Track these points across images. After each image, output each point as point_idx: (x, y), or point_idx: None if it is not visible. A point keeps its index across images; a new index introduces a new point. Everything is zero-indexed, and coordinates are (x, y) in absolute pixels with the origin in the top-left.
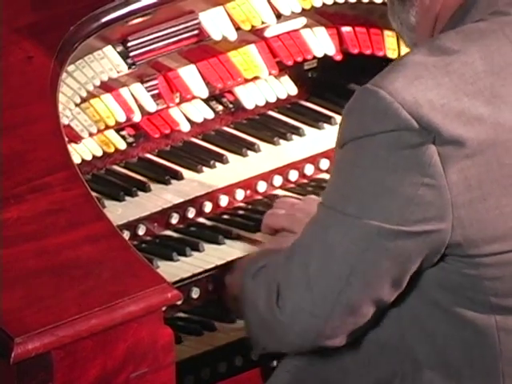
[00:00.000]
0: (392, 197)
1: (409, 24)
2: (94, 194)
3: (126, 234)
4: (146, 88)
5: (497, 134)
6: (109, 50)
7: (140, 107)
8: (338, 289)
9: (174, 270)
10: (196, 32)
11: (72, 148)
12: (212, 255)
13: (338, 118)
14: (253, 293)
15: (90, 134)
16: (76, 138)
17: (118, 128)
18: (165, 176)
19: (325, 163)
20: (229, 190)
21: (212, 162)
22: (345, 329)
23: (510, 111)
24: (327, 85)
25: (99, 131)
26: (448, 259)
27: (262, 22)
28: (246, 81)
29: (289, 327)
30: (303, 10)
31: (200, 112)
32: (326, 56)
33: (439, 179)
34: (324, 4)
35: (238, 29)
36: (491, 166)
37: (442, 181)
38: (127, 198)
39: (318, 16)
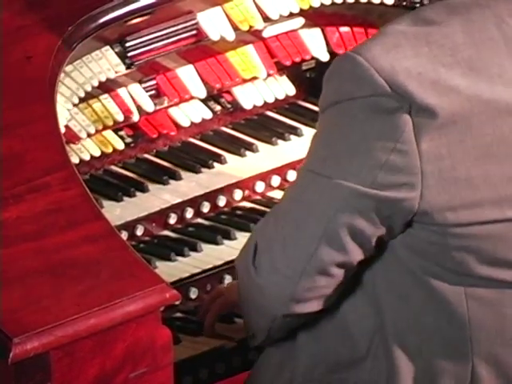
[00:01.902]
0: (365, 159)
1: None
2: (92, 194)
3: (124, 235)
4: (145, 88)
5: (471, 106)
6: (107, 50)
7: (138, 107)
8: (311, 249)
9: (172, 270)
10: (194, 32)
11: (70, 148)
12: (210, 255)
13: None
14: (238, 261)
15: (89, 135)
16: (74, 139)
17: (116, 128)
18: (163, 176)
19: None
20: (227, 190)
21: (210, 162)
22: (317, 291)
23: (486, 84)
24: None
25: (97, 131)
26: (416, 226)
27: (262, 22)
28: (244, 81)
29: (263, 288)
30: (301, 10)
31: (198, 112)
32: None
33: (411, 146)
34: (322, 4)
35: (236, 29)
36: (463, 137)
37: (414, 148)
38: (125, 198)
39: (316, 16)
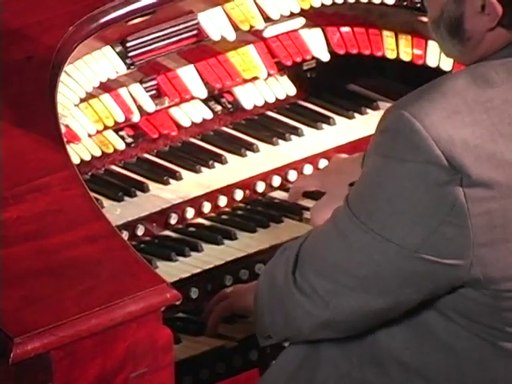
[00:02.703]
0: (414, 226)
1: (457, 48)
2: (92, 194)
3: (125, 235)
4: (145, 88)
5: None
6: (108, 50)
7: (139, 107)
8: (348, 290)
9: (173, 270)
10: (195, 32)
11: (71, 148)
12: (211, 255)
13: (337, 119)
14: (272, 263)
15: (89, 135)
16: (75, 139)
17: (117, 128)
18: (163, 176)
19: (324, 163)
20: (228, 190)
21: (211, 163)
22: (346, 325)
23: None
24: (326, 85)
25: (98, 131)
26: (466, 288)
27: (262, 22)
28: (245, 81)
29: (298, 301)
30: (302, 10)
31: (199, 112)
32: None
33: (463, 219)
34: (323, 4)
35: (236, 29)
36: None
37: (466, 221)
38: (126, 198)
39: (316, 16)
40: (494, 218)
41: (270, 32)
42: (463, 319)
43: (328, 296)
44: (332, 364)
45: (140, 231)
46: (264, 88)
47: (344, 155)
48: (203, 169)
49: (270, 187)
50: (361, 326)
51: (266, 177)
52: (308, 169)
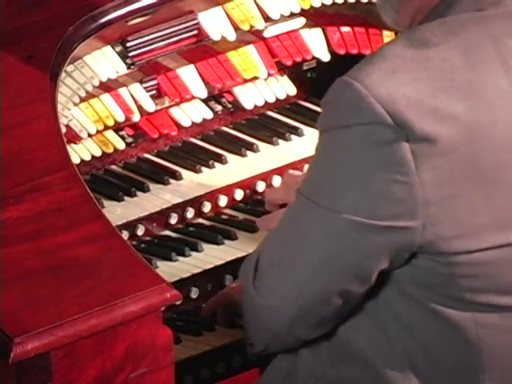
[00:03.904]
0: (363, 191)
1: (393, 5)
2: (93, 194)
3: (125, 234)
4: (145, 88)
5: (470, 132)
6: (108, 50)
7: (139, 107)
8: (306, 277)
9: (173, 270)
10: (195, 32)
11: (71, 148)
12: (211, 255)
13: None
14: (239, 275)
15: (89, 135)
16: (75, 139)
17: (117, 128)
18: (164, 176)
19: None
20: (228, 190)
21: (211, 162)
22: (314, 318)
23: (485, 108)
24: (326, 85)
25: (98, 131)
26: (420, 257)
27: (263, 22)
28: (245, 81)
29: (262, 308)
30: (302, 10)
31: (199, 112)
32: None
33: (411, 177)
34: (323, 4)
35: (236, 29)
36: (464, 164)
37: (414, 178)
38: (126, 198)
39: (317, 16)
40: (442, 174)
41: (270, 32)
42: (421, 293)
43: (289, 292)
44: (308, 369)
45: (140, 231)
46: (264, 88)
47: (297, 172)
48: (203, 169)
49: (270, 187)
50: (329, 314)
51: (266, 177)
52: None
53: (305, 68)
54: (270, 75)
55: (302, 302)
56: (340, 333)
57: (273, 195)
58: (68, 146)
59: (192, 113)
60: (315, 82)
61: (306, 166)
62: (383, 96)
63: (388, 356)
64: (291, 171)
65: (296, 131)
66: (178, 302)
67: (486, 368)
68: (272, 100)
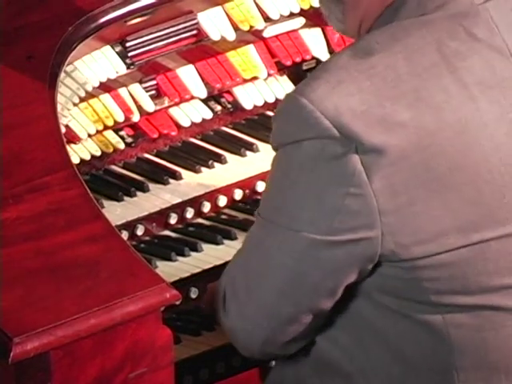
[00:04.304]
0: (319, 207)
1: (338, 16)
2: (92, 194)
3: (125, 234)
4: (145, 88)
5: (420, 139)
6: (107, 50)
7: (139, 107)
8: (274, 299)
9: (172, 270)
10: (194, 32)
11: (71, 148)
12: (211, 255)
13: None
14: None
15: (89, 135)
16: (75, 139)
17: (117, 128)
18: (163, 176)
19: None
20: (227, 190)
21: (210, 162)
22: (287, 336)
23: (432, 114)
24: None
25: (98, 131)
26: (384, 265)
27: (262, 22)
28: (245, 81)
29: (235, 331)
30: (302, 10)
31: (198, 112)
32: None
33: (364, 188)
34: None
35: (236, 29)
36: (416, 171)
37: (367, 189)
38: (126, 198)
39: (316, 16)
40: (394, 183)
41: (269, 32)
42: (390, 299)
43: (259, 316)
44: (295, 380)
45: (140, 231)
46: (264, 88)
47: None
48: (203, 169)
49: None
50: (300, 333)
51: (265, 177)
52: None
53: (304, 68)
54: (269, 75)
55: (272, 324)
56: (317, 345)
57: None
58: (68, 146)
59: (191, 113)
60: None
61: None
62: (329, 110)
63: (364, 365)
64: None
65: None
66: (177, 302)
67: (460, 367)
68: (272, 100)
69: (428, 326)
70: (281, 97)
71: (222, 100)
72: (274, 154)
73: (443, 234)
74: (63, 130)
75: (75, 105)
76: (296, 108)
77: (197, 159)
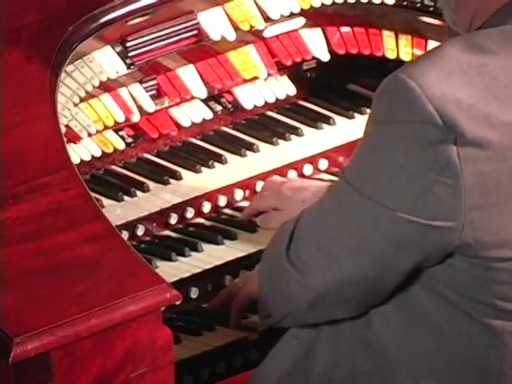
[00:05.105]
0: (406, 187)
1: (450, 4)
2: (92, 194)
3: (125, 234)
4: (145, 88)
5: None
6: (108, 50)
7: (139, 107)
8: (340, 259)
9: (172, 270)
10: (195, 32)
11: (71, 148)
12: (211, 255)
13: (337, 119)
14: (271, 242)
15: (89, 135)
16: (75, 139)
17: (117, 128)
18: (163, 176)
19: (323, 163)
20: (227, 190)
21: (211, 162)
22: (340, 297)
23: None
24: (326, 85)
25: (98, 131)
26: (457, 258)
27: (262, 22)
28: (245, 81)
29: (292, 280)
30: (302, 10)
31: (199, 112)
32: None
33: (456, 180)
34: (323, 4)
35: (236, 29)
36: (510, 173)
37: (459, 181)
38: (126, 198)
39: (316, 16)
40: (487, 181)
41: (269, 32)
42: (453, 294)
43: (322, 269)
44: (326, 357)
45: (140, 231)
46: (264, 88)
47: (277, 178)
48: (203, 169)
49: None
50: (353, 299)
51: (265, 177)
52: (308, 169)
53: (304, 68)
54: (269, 75)
55: (330, 282)
56: (366, 319)
57: (262, 202)
58: (68, 146)
59: (192, 113)
60: (315, 82)
61: (306, 166)
62: (436, 97)
63: (409, 353)
64: (271, 178)
65: (296, 131)
66: (177, 302)
67: (509, 377)
68: (272, 100)
69: (486, 329)
70: (281, 97)
71: (222, 100)
72: (273, 154)
73: None
74: (64, 129)
75: (76, 105)
76: (403, 89)
77: (197, 159)
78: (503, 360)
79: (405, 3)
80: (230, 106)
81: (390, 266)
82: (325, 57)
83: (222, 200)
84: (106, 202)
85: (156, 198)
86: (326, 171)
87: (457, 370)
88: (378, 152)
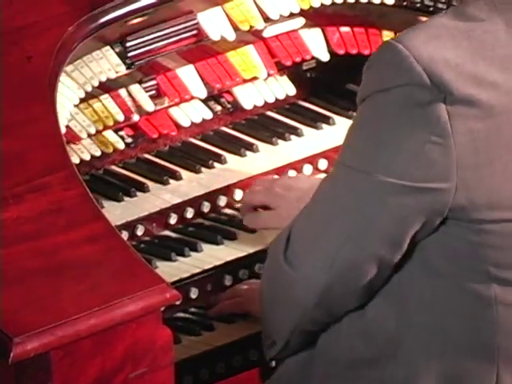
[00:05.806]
0: (397, 152)
1: None
2: (92, 194)
3: (125, 235)
4: (145, 88)
5: (509, 102)
6: (107, 50)
7: (138, 107)
8: (339, 244)
9: (172, 270)
10: (194, 32)
11: (71, 148)
12: (211, 255)
13: (337, 119)
14: (268, 255)
15: (89, 135)
16: (75, 139)
17: (117, 128)
18: (163, 176)
19: (323, 163)
20: (227, 190)
21: (210, 163)
22: (347, 288)
23: None
24: (326, 85)
25: (98, 131)
26: (450, 223)
27: (262, 22)
28: (245, 81)
29: (293, 280)
30: (301, 10)
31: (198, 112)
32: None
33: (446, 138)
34: (322, 4)
35: (236, 29)
36: (501, 132)
37: (449, 140)
38: (126, 198)
39: (316, 16)
40: (477, 140)
41: (269, 32)
42: (446, 265)
43: (321, 258)
44: (325, 353)
45: (140, 231)
46: (264, 88)
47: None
48: (203, 169)
49: None
50: (359, 286)
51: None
52: (308, 169)
53: (304, 68)
54: (269, 75)
55: (333, 271)
56: (361, 308)
57: (251, 196)
58: (68, 146)
59: (191, 113)
60: (315, 82)
61: (306, 166)
62: (423, 57)
63: (404, 334)
64: (261, 178)
65: (295, 131)
66: (177, 302)
67: (502, 347)
68: (271, 100)
69: (478, 301)
70: (281, 97)
71: (222, 100)
72: (273, 154)
73: None
74: (63, 129)
75: (75, 105)
76: (390, 53)
77: (197, 159)
78: (496, 332)
79: (405, 3)
80: (229, 106)
81: (389, 238)
82: (324, 57)
83: (222, 200)
84: (105, 202)
85: (156, 198)
86: (325, 171)
87: (451, 344)
88: (368, 123)
